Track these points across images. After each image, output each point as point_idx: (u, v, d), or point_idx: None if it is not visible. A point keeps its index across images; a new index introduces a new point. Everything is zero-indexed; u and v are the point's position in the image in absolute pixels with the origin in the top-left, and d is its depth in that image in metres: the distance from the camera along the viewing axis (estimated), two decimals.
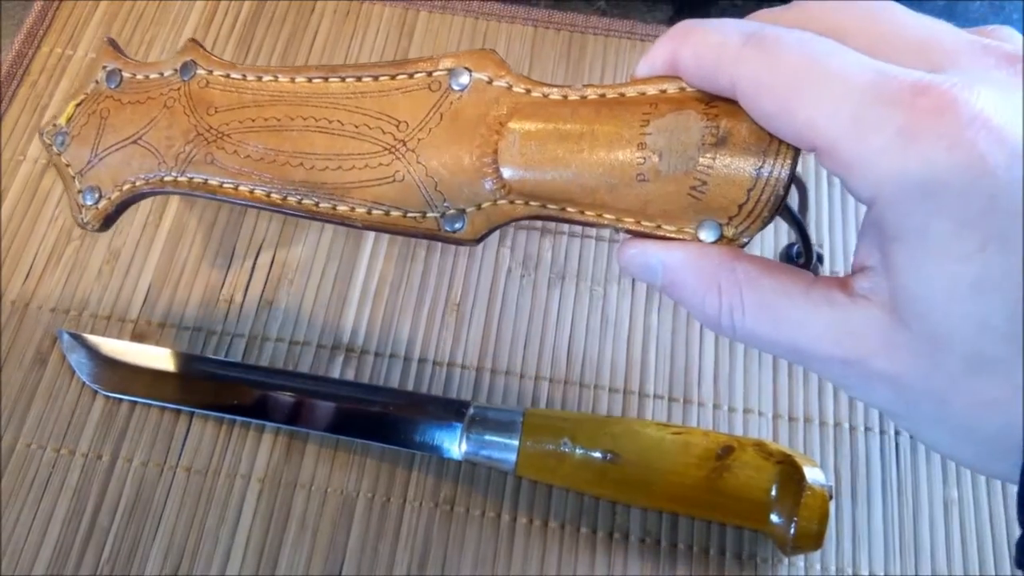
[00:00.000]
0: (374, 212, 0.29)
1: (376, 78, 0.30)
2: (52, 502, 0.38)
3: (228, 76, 0.32)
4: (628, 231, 0.26)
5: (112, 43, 0.37)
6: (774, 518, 0.36)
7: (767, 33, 0.22)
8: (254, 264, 0.44)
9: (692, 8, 0.53)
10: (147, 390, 0.40)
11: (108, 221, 0.34)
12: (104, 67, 0.36)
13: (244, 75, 0.32)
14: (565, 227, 0.45)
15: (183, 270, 0.43)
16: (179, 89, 0.33)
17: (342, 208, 0.30)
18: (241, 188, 0.31)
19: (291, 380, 0.40)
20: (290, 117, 0.31)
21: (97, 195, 0.34)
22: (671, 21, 0.52)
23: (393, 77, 0.30)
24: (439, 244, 0.44)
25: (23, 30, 0.50)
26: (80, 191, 0.34)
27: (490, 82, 0.28)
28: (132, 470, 0.39)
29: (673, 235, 0.25)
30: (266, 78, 0.32)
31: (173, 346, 0.42)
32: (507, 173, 0.27)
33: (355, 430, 0.39)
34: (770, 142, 0.23)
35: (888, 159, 0.19)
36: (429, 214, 0.29)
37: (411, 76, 0.30)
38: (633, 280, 0.44)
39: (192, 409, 0.40)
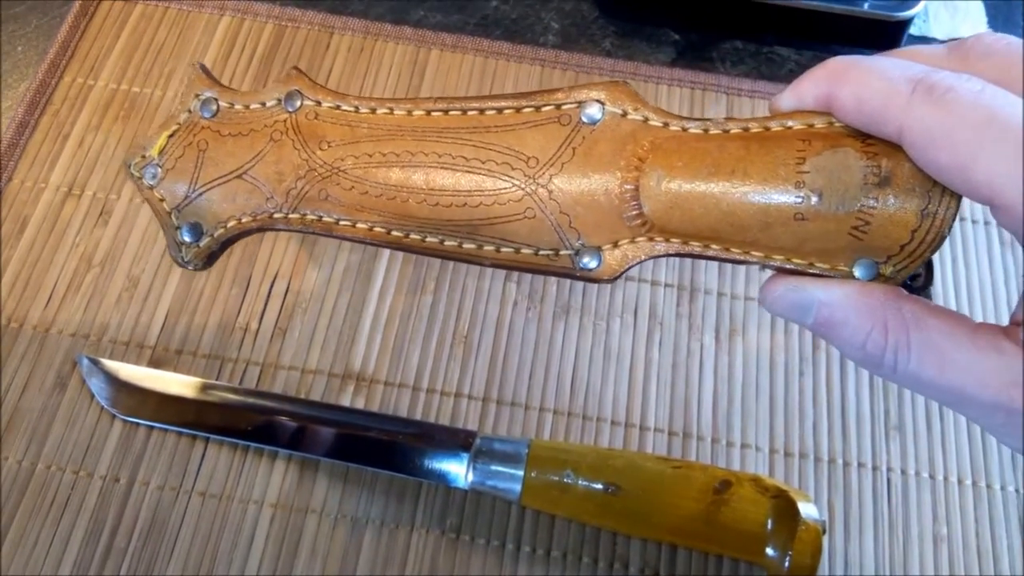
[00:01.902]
0: (503, 250, 0.28)
1: (500, 111, 0.29)
2: (70, 523, 0.39)
3: (338, 107, 0.31)
4: (777, 268, 0.26)
5: (204, 69, 0.34)
6: (769, 551, 0.37)
7: (938, 81, 0.21)
8: (269, 293, 0.45)
9: (694, 50, 0.54)
10: (164, 415, 0.41)
11: (211, 259, 0.33)
12: (197, 95, 0.33)
13: (356, 107, 0.31)
14: None
15: (200, 298, 0.45)
16: (285, 121, 0.31)
17: (468, 246, 0.29)
18: (359, 225, 0.30)
19: (303, 408, 0.41)
20: (410, 152, 0.29)
21: (199, 232, 0.32)
22: (674, 63, 0.54)
23: (518, 110, 0.29)
24: (448, 274, 0.45)
25: (46, 60, 0.51)
26: (178, 227, 0.32)
27: (624, 115, 0.28)
28: (148, 493, 0.40)
29: (826, 273, 0.25)
30: (380, 111, 0.30)
31: (190, 372, 0.43)
32: (649, 210, 0.26)
33: (365, 458, 0.40)
34: (935, 183, 0.23)
35: None
36: (562, 252, 0.28)
37: (538, 109, 0.28)
38: (635, 315, 0.45)
39: (207, 434, 0.41)
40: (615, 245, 0.27)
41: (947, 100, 0.21)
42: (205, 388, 0.42)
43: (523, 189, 0.28)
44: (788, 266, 0.25)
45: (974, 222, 0.48)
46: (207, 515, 0.40)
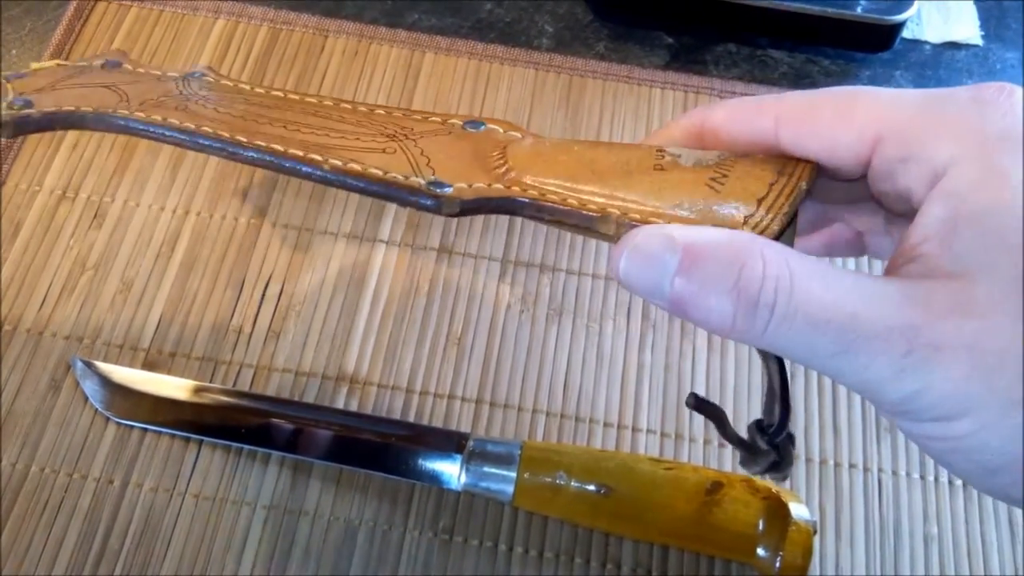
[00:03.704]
0: (350, 165, 0.27)
1: (389, 112, 0.30)
2: (64, 525, 0.39)
3: (235, 85, 0.33)
4: (634, 223, 0.25)
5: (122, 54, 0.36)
6: (760, 551, 0.37)
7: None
8: (263, 296, 0.45)
9: (688, 53, 0.55)
10: (158, 417, 0.41)
11: (21, 125, 0.30)
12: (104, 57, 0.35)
13: (251, 87, 0.32)
14: (563, 264, 0.47)
15: (194, 301, 0.45)
16: (176, 82, 0.32)
17: (313, 156, 0.28)
18: (204, 128, 0.29)
19: (297, 410, 0.42)
20: (290, 111, 0.30)
21: (27, 103, 0.30)
22: (667, 66, 0.54)
23: (405, 115, 0.30)
24: (442, 277, 0.46)
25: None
26: (12, 97, 0.31)
27: (504, 132, 0.29)
28: (142, 495, 0.40)
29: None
30: (274, 93, 0.31)
31: (183, 375, 0.43)
32: (512, 156, 0.27)
33: (358, 460, 0.40)
34: (790, 157, 0.24)
35: (968, 119, 0.22)
36: (414, 178, 0.27)
37: (425, 119, 0.30)
38: (628, 317, 0.45)
39: (201, 437, 0.41)
40: (469, 186, 0.27)
41: (814, 90, 0.25)
42: (199, 390, 0.42)
43: (392, 139, 0.28)
44: (647, 222, 0.24)
45: None
46: (200, 517, 0.40)
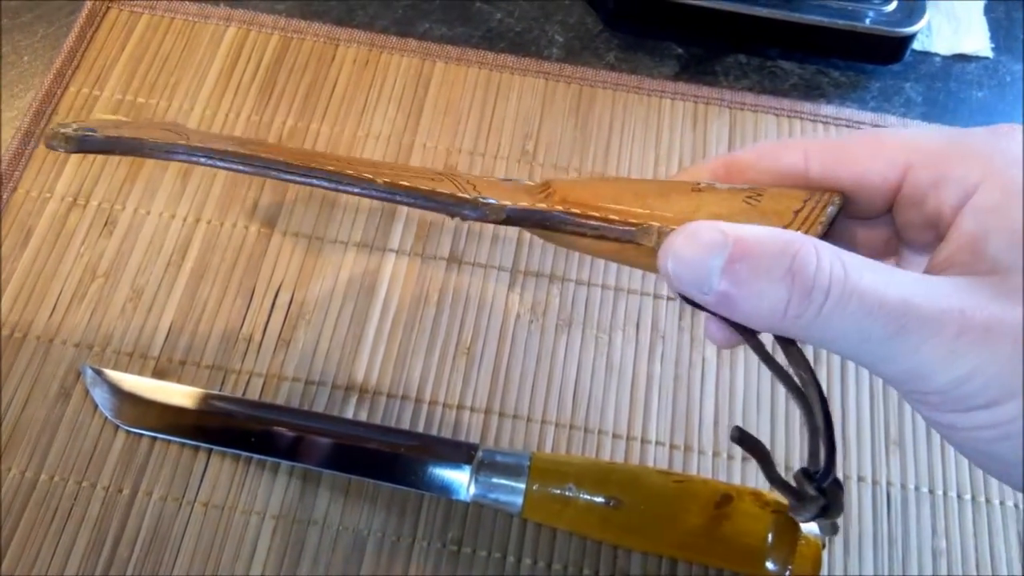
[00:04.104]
0: (400, 182, 0.28)
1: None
2: (73, 533, 0.39)
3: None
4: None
5: None
6: (770, 565, 0.37)
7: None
8: (273, 304, 0.45)
9: (698, 64, 0.55)
10: (167, 426, 0.41)
11: (83, 142, 0.31)
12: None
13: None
14: (573, 274, 0.47)
15: (204, 309, 0.45)
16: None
17: (365, 174, 0.29)
18: (261, 154, 0.30)
19: (306, 419, 0.42)
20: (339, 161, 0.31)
21: (91, 130, 0.31)
22: (677, 77, 0.54)
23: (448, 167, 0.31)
24: (451, 286, 0.46)
25: (52, 70, 0.51)
26: (76, 126, 0.32)
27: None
28: (151, 504, 0.40)
29: None
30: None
31: (193, 383, 0.43)
32: (556, 184, 0.28)
33: (367, 470, 0.40)
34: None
35: (990, 147, 0.23)
36: (461, 193, 0.28)
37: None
38: (637, 328, 0.45)
39: (210, 445, 0.41)
40: (515, 204, 0.28)
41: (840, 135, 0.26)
42: (208, 399, 0.42)
43: (436, 174, 0.30)
44: None
45: None
46: (209, 526, 0.40)
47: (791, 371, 0.24)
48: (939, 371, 0.21)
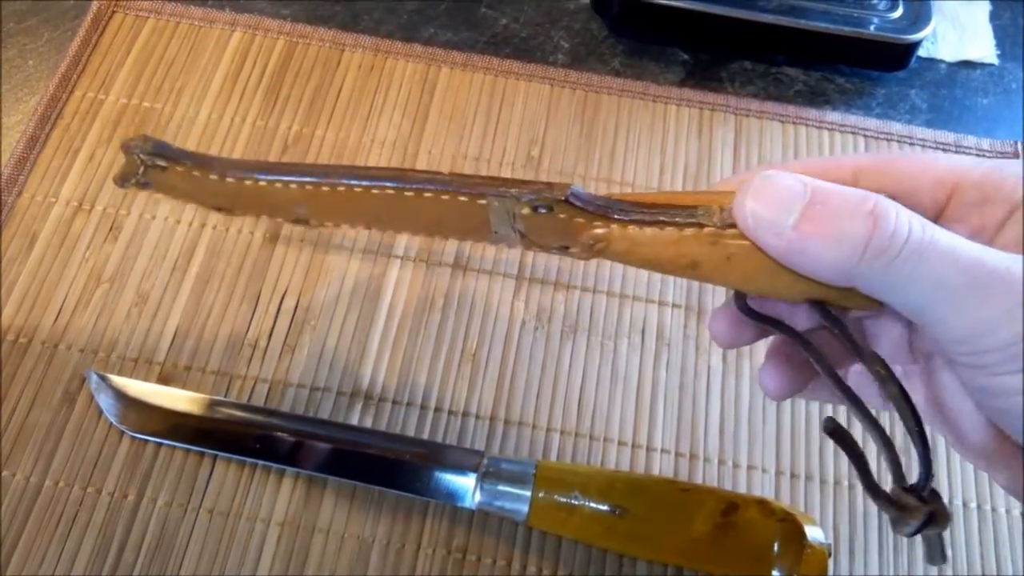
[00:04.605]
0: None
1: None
2: (78, 540, 0.39)
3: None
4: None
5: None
6: (776, 574, 0.37)
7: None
8: (278, 310, 0.45)
9: (703, 70, 0.55)
10: (172, 432, 0.41)
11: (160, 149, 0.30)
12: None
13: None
14: (578, 282, 0.47)
15: (209, 314, 0.45)
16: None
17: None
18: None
19: (311, 426, 0.42)
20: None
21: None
22: (683, 83, 0.54)
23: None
24: (456, 293, 0.46)
25: (57, 74, 0.51)
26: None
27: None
28: (156, 510, 0.40)
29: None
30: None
31: (198, 389, 0.43)
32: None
33: (372, 477, 0.40)
34: None
35: None
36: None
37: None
38: (643, 335, 0.45)
39: (215, 452, 0.41)
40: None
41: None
42: (213, 405, 0.42)
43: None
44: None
45: None
46: (214, 532, 0.40)
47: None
48: (1003, 326, 0.22)
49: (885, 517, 0.41)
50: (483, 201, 0.28)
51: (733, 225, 0.25)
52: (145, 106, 0.51)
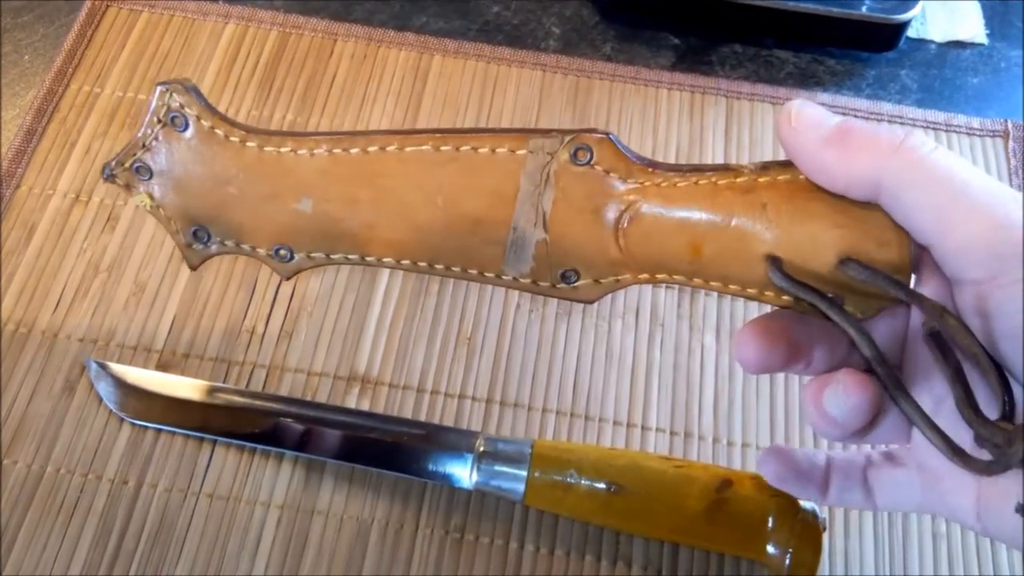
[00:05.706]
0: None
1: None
2: (79, 526, 0.40)
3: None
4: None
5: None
6: (770, 549, 0.37)
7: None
8: (275, 297, 0.46)
9: (694, 54, 0.55)
10: (171, 418, 0.42)
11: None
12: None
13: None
14: None
15: (207, 302, 0.45)
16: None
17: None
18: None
19: (309, 410, 0.42)
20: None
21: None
22: (674, 67, 0.54)
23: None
24: (451, 280, 0.46)
25: (53, 68, 0.52)
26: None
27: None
28: (156, 495, 0.41)
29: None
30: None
31: (197, 376, 0.43)
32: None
33: (370, 459, 0.41)
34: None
35: None
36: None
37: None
38: (637, 316, 0.46)
39: (214, 437, 0.42)
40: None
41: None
42: (212, 391, 0.42)
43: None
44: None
45: None
46: (215, 517, 0.40)
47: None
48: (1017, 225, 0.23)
49: None
50: (522, 151, 0.27)
51: (766, 170, 0.26)
52: (140, 99, 0.51)
